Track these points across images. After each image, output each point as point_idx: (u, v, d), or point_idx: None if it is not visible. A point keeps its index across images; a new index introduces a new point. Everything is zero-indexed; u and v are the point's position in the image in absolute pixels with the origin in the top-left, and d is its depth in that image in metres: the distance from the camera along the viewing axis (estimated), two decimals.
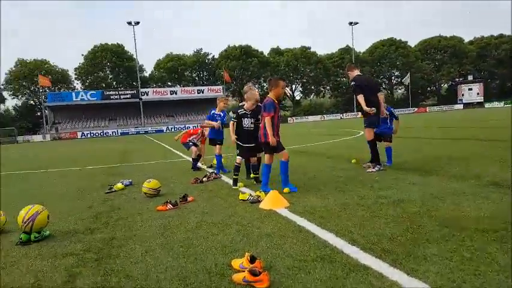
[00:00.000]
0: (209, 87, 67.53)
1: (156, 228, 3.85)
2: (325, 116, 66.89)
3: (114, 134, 56.38)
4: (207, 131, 8.15)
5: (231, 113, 7.58)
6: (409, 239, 2.93)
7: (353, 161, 7.75)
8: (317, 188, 5.24)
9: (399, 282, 2.19)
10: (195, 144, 8.33)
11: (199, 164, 8.47)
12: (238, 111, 6.01)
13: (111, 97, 61.91)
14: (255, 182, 6.03)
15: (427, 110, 66.78)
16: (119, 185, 6.37)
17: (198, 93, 65.30)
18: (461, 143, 10.07)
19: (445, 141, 10.86)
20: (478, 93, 68.60)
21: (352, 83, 6.67)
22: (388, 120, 7.11)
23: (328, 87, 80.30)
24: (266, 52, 77.35)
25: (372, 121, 6.56)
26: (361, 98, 6.43)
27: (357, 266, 2.49)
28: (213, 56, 76.11)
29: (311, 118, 64.52)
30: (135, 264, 2.86)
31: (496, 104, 63.14)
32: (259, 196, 4.63)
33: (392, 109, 7.22)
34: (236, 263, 2.65)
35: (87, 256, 3.13)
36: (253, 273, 2.34)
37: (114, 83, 72.49)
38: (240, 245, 3.13)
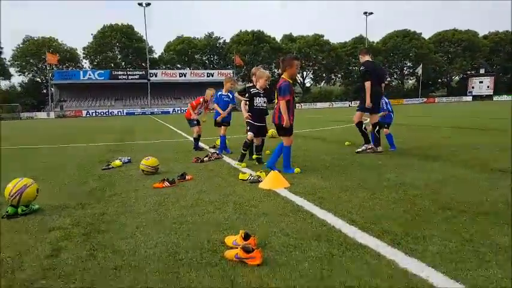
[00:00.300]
0: (219, 71, 66.92)
1: (151, 204, 3.75)
2: (333, 103, 66.23)
3: (119, 114, 56.33)
4: (211, 104, 8.04)
5: (236, 94, 7.30)
6: (409, 220, 2.82)
7: (346, 143, 8.01)
8: (319, 171, 5.11)
9: (396, 261, 2.10)
10: (198, 123, 8.10)
11: (201, 144, 8.31)
12: (251, 90, 5.85)
13: (119, 77, 61.71)
14: (256, 163, 5.89)
15: (436, 101, 65.83)
16: (117, 162, 6.27)
17: (207, 76, 64.80)
18: (470, 132, 9.80)
19: (453, 130, 10.58)
20: (488, 87, 67.36)
21: (362, 68, 6.68)
22: (388, 108, 7.16)
23: (339, 75, 79.16)
24: (278, 38, 76.28)
25: (365, 107, 6.58)
26: (368, 85, 6.50)
27: (354, 245, 2.38)
28: (224, 40, 75.17)
29: (319, 105, 63.96)
30: (124, 240, 2.75)
31: (505, 97, 61.96)
32: (260, 176, 4.51)
33: (386, 100, 7.21)
34: (229, 239, 2.54)
35: (75, 231, 3.03)
36: (246, 250, 2.22)
37: (123, 63, 72.18)
38: (235, 223, 3.02)
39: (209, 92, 8.01)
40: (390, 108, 7.26)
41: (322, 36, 74.84)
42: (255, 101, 5.79)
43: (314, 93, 76.61)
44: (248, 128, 5.84)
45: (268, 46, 71.08)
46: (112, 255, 2.47)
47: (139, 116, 52.28)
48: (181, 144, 9.72)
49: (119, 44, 70.30)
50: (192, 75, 65.11)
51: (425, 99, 65.85)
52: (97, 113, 56.43)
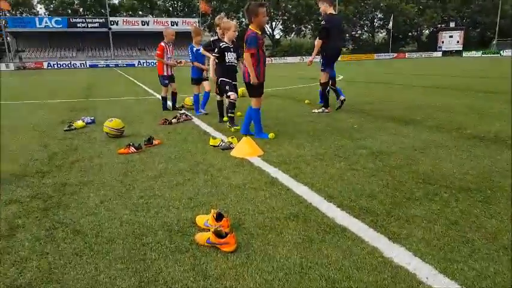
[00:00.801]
0: (184, 19, 63.31)
1: (116, 174, 3.50)
2: (304, 57, 65.27)
3: (82, 66, 53.06)
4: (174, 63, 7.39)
5: (201, 49, 6.69)
6: (389, 196, 2.73)
7: (306, 101, 8.06)
8: (292, 136, 4.95)
9: (380, 249, 1.98)
10: (171, 80, 7.35)
11: (169, 103, 7.78)
12: (221, 44, 5.31)
13: (78, 25, 57.13)
14: (229, 125, 5.58)
15: (406, 56, 66.51)
16: (80, 123, 5.85)
17: (172, 25, 61.20)
18: (441, 91, 9.94)
19: (425, 89, 10.70)
20: (457, 41, 68.42)
21: (323, 23, 6.26)
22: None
23: (309, 27, 77.36)
24: None
25: (330, 65, 6.55)
26: (318, 44, 6.33)
27: (334, 227, 2.26)
28: None
29: (290, 59, 62.90)
30: (87, 217, 2.54)
31: (474, 54, 63.43)
32: (231, 143, 4.30)
33: None
34: (201, 219, 2.37)
35: (34, 204, 2.79)
36: (218, 234, 2.07)
37: (81, 9, 66.62)
38: (207, 197, 2.85)
39: (169, 32, 7.26)
40: None
41: None
42: (226, 57, 5.30)
43: (284, 46, 74.90)
44: (227, 87, 5.34)
45: None
46: (73, 236, 2.26)
47: (103, 68, 49.42)
48: (148, 103, 9.23)
49: None
50: (156, 23, 61.24)
51: (395, 54, 66.29)
52: (59, 65, 52.77)
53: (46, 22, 55.88)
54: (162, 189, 3.03)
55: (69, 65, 53.13)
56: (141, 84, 15.51)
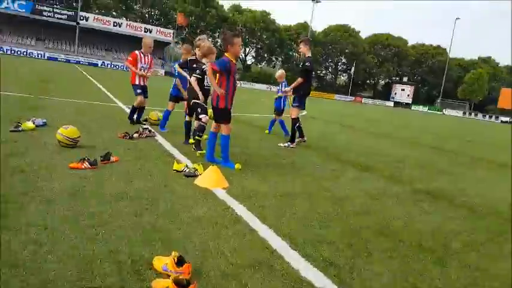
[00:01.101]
0: (159, 28, 62.51)
1: (65, 191, 3.13)
2: (272, 86, 66.73)
3: (39, 57, 49.75)
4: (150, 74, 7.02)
5: (177, 67, 6.47)
6: (350, 247, 2.71)
7: (266, 131, 8.38)
8: (258, 167, 4.87)
9: None
10: (143, 91, 6.86)
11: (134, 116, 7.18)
12: (203, 67, 5.15)
13: (44, 13, 54.06)
14: (194, 149, 5.34)
15: (363, 101, 70.36)
16: (29, 124, 5.26)
17: (145, 31, 60.06)
18: (395, 142, 10.46)
19: (381, 137, 11.22)
20: (408, 95, 73.89)
21: (307, 64, 6.72)
22: (283, 97, 8.11)
23: (280, 59, 79.94)
24: (226, 6, 73.76)
25: (302, 102, 6.89)
26: (300, 81, 6.68)
27: (299, 281, 2.16)
28: None
29: (257, 86, 63.95)
30: (26, 244, 2.18)
31: (421, 108, 68.76)
32: (196, 169, 4.09)
33: (285, 83, 8.09)
34: (159, 262, 2.13)
35: None
36: (179, 284, 1.85)
37: None
38: (165, 231, 2.61)
39: (146, 43, 6.83)
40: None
41: (270, 14, 74.34)
42: (205, 81, 5.20)
43: (254, 72, 76.37)
44: (200, 110, 5.19)
45: (215, 12, 68.37)
46: (8, 271, 1.90)
47: (63, 63, 46.78)
48: (109, 111, 8.68)
49: None
50: (128, 27, 59.73)
51: (354, 98, 69.92)
52: (13, 51, 48.99)
53: (7, 3, 52.19)
54: (115, 217, 2.73)
55: (25, 53, 49.67)
56: (102, 88, 14.72)
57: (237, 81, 6.68)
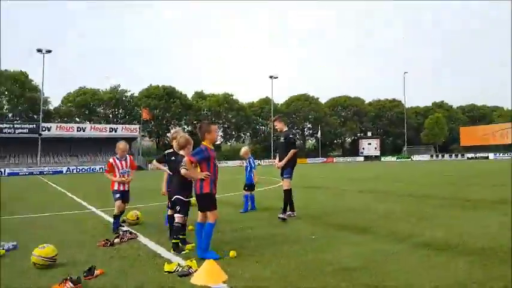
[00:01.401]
0: (124, 125, 63.60)
1: None
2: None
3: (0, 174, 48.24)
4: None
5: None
6: None
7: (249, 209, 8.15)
8: (255, 251, 4.65)
9: None
10: (122, 196, 6.41)
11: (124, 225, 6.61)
12: (183, 160, 5.15)
13: (4, 130, 53.89)
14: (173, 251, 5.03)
15: (334, 160, 72.28)
16: None
17: (110, 131, 60.79)
18: (377, 196, 10.55)
19: (363, 194, 11.30)
20: (375, 148, 77.16)
21: (291, 136, 7.34)
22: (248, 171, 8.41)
23: (248, 134, 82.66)
24: (190, 95, 77.34)
25: (292, 173, 7.15)
26: (294, 153, 7.04)
27: None
28: (132, 94, 73.01)
29: (230, 163, 64.59)
30: None
31: (390, 158, 71.45)
32: (190, 267, 3.84)
33: (252, 158, 8.53)
34: None
35: None
36: None
37: (10, 114, 64.00)
38: None
39: (120, 147, 6.51)
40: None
41: (232, 95, 78.40)
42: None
43: (224, 151, 77.82)
44: (179, 208, 5.03)
45: (179, 102, 71.33)
46: None
47: (26, 176, 45.45)
48: (83, 219, 8.25)
49: (7, 92, 62.85)
50: (93, 129, 60.40)
51: (325, 159, 71.86)
52: None
53: None
54: None
55: None
56: (71, 195, 14.22)
57: None
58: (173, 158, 5.52)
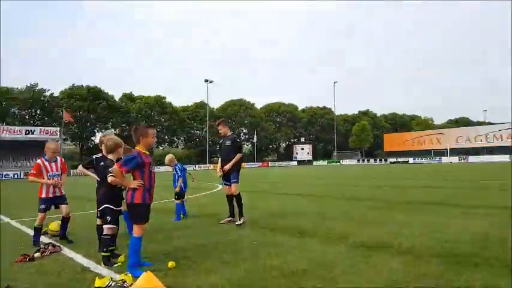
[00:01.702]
0: (42, 128, 57.96)
1: None
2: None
3: None
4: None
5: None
6: None
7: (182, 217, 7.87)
8: (196, 260, 4.42)
9: None
10: (53, 204, 5.76)
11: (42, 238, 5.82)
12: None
13: None
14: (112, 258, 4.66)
15: (269, 164, 73.94)
16: None
17: (26, 133, 54.96)
18: (314, 199, 10.93)
19: (300, 197, 11.62)
20: (308, 153, 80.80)
21: (238, 140, 7.35)
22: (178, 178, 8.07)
23: (182, 138, 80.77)
24: (117, 96, 73.16)
25: (239, 177, 7.13)
26: (241, 156, 7.09)
27: None
28: (52, 93, 66.89)
29: (163, 168, 62.45)
30: None
31: (321, 162, 75.45)
32: (125, 281, 3.51)
33: (178, 165, 8.26)
34: None
35: None
36: None
37: None
38: None
39: (49, 147, 5.84)
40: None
41: (164, 98, 76.02)
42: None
43: (156, 155, 75.04)
44: (109, 218, 4.62)
45: (105, 103, 67.13)
46: None
47: None
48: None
49: None
50: (6, 132, 54.16)
51: (261, 163, 73.16)
52: None
53: None
54: None
55: None
56: None
57: None
58: (102, 163, 5.07)
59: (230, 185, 7.09)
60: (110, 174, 4.34)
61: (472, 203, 8.76)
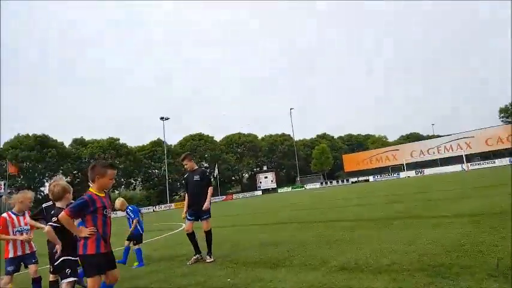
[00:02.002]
0: None
1: None
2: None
3: None
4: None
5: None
6: None
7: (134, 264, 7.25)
8: None
9: None
10: (14, 268, 5.00)
11: None
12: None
13: None
14: None
15: (233, 197, 72.93)
16: None
17: None
18: (283, 227, 10.69)
19: (270, 227, 11.33)
20: (272, 181, 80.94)
21: (208, 174, 7.22)
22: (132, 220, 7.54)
23: (139, 179, 78.01)
24: (67, 143, 69.99)
25: (202, 211, 6.77)
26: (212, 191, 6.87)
27: None
28: None
29: (120, 213, 59.40)
30: None
31: (286, 189, 75.70)
32: None
33: (130, 208, 7.66)
34: None
35: None
36: None
37: None
38: None
39: (20, 197, 5.26)
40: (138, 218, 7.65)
41: (118, 139, 73.81)
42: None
43: (113, 200, 71.69)
44: (69, 271, 4.13)
45: (54, 151, 63.84)
46: None
47: None
48: None
49: None
50: None
51: (224, 197, 72.13)
52: None
53: None
54: None
55: None
56: None
57: None
58: (52, 211, 4.59)
59: (195, 221, 6.79)
60: (50, 223, 3.88)
61: (435, 213, 8.97)
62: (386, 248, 5.59)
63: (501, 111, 74.20)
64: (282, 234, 9.18)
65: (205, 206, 6.65)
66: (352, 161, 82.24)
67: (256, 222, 13.75)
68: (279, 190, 75.61)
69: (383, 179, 63.08)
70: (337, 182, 73.07)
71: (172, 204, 63.11)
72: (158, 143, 77.08)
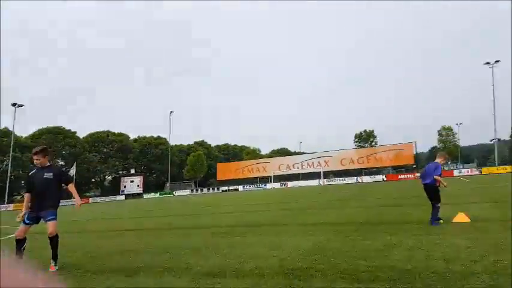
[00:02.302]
0: None
1: None
2: None
3: None
4: None
5: None
6: None
7: None
8: None
9: None
10: None
11: None
12: None
13: None
14: None
15: (90, 201, 66.49)
16: None
17: None
18: (164, 233, 10.18)
19: (147, 232, 10.62)
20: (138, 185, 76.89)
21: (63, 170, 6.73)
22: None
23: None
24: None
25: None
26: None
27: None
28: None
29: None
30: None
31: (153, 195, 72.74)
32: None
33: None
34: None
35: None
36: None
37: None
38: None
39: None
40: None
41: None
42: None
43: None
44: None
45: None
46: None
47: None
48: None
49: None
50: None
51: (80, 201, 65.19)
52: None
53: None
54: None
55: None
56: None
57: None
58: None
59: (32, 225, 5.91)
60: None
61: (297, 221, 9.83)
62: (250, 254, 5.78)
63: (356, 136, 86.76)
64: (146, 240, 8.69)
65: (78, 202, 6.27)
66: (225, 170, 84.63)
67: (110, 228, 12.74)
68: (145, 195, 72.38)
69: (251, 189, 66.73)
70: (208, 189, 74.11)
71: (11, 205, 54.03)
72: (5, 133, 65.51)
